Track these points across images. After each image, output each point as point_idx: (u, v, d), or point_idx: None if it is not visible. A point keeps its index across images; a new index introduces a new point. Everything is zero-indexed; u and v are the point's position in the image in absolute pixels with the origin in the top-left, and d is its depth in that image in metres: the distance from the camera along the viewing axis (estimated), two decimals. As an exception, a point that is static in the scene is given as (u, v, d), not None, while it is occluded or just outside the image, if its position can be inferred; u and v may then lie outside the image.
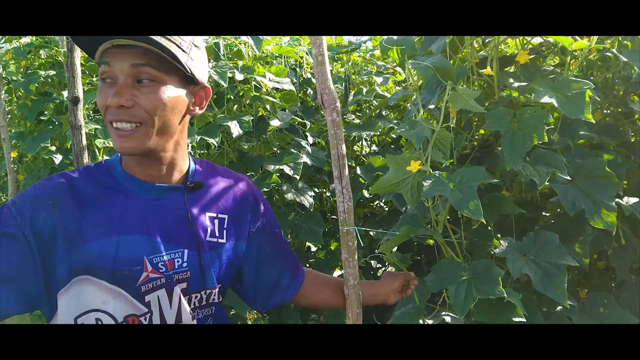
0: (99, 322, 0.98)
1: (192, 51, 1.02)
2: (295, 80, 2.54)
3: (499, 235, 1.37)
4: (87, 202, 0.99)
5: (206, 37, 2.28)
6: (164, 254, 1.02)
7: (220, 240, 1.12)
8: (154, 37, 0.93)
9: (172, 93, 0.99)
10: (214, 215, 1.12)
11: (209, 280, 1.09)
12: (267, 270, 1.23)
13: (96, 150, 2.49)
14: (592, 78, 1.43)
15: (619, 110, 1.51)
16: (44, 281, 0.95)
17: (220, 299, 1.14)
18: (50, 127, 3.05)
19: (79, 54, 2.14)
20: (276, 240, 1.25)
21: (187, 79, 1.02)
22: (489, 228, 1.34)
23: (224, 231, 1.13)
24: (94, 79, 2.93)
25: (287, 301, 1.28)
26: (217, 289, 1.12)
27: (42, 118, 3.18)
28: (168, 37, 0.96)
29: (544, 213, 1.48)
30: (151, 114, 0.96)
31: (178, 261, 1.04)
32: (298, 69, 2.66)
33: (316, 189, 2.59)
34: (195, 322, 1.08)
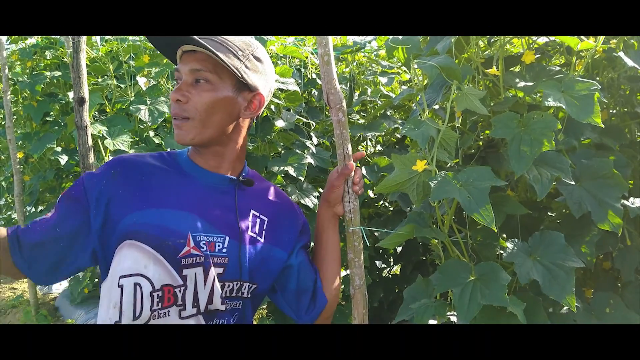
0: (138, 287, 1.08)
1: (250, 61, 1.17)
2: (299, 81, 2.54)
3: (504, 236, 1.37)
4: (147, 174, 1.15)
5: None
6: (207, 234, 1.14)
7: (259, 238, 1.23)
8: (212, 44, 1.10)
9: (223, 95, 1.14)
10: (257, 214, 1.24)
11: (244, 271, 1.19)
12: (308, 277, 1.32)
13: (102, 150, 2.49)
14: (598, 78, 1.42)
15: (625, 110, 1.51)
16: (99, 240, 1.11)
17: (249, 297, 1.22)
18: (56, 127, 3.07)
19: (84, 55, 2.15)
20: (308, 248, 1.37)
21: (241, 85, 1.17)
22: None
23: (263, 232, 1.24)
24: (99, 79, 2.95)
25: (326, 302, 1.34)
26: (248, 284, 1.20)
27: (47, 119, 3.19)
28: (228, 45, 1.13)
29: (549, 213, 1.47)
30: (199, 110, 1.12)
31: (219, 245, 1.15)
32: (303, 70, 2.66)
33: (320, 190, 2.59)
34: (224, 307, 1.17)
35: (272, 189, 1.33)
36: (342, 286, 2.68)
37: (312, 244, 1.44)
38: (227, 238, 1.16)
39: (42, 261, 1.11)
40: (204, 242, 1.13)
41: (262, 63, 1.20)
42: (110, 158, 1.14)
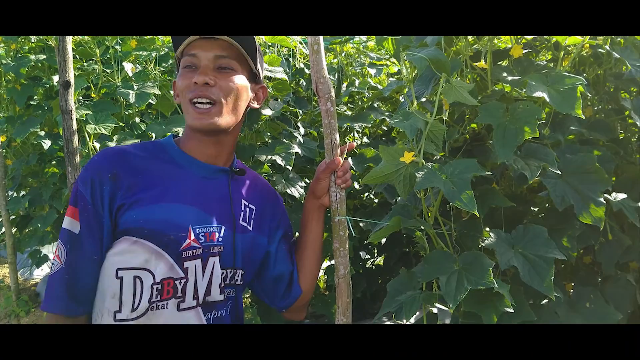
0: (138, 279, 1.08)
1: (260, 53, 1.20)
2: (287, 70, 2.53)
3: (488, 228, 1.38)
4: (143, 171, 1.13)
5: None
6: (205, 225, 1.15)
7: (248, 227, 1.24)
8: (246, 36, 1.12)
9: (243, 83, 1.17)
10: (247, 203, 1.26)
11: (238, 259, 1.21)
12: (284, 267, 1.32)
13: (86, 135, 2.47)
14: (584, 74, 1.44)
15: (610, 106, 1.52)
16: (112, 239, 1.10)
17: (241, 283, 1.25)
18: (40, 111, 3.02)
19: (70, 39, 2.12)
20: (291, 239, 1.38)
21: (252, 76, 1.21)
22: (479, 220, 1.35)
23: (252, 221, 1.26)
24: (85, 64, 2.91)
25: (301, 293, 1.35)
26: (240, 271, 1.23)
27: (31, 103, 3.15)
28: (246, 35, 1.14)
29: (532, 208, 1.49)
30: (226, 95, 1.14)
31: (215, 235, 1.16)
32: (291, 59, 2.65)
33: (307, 180, 2.59)
34: (222, 297, 1.18)
35: (257, 179, 1.35)
36: (326, 276, 2.69)
37: (297, 234, 1.45)
38: (223, 227, 1.18)
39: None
40: (203, 233, 1.14)
41: (262, 56, 1.25)
42: (97, 148, 1.11)
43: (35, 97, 3.17)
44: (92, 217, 1.08)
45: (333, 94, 1.25)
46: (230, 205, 1.21)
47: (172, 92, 1.24)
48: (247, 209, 1.26)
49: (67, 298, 1.07)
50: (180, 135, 1.26)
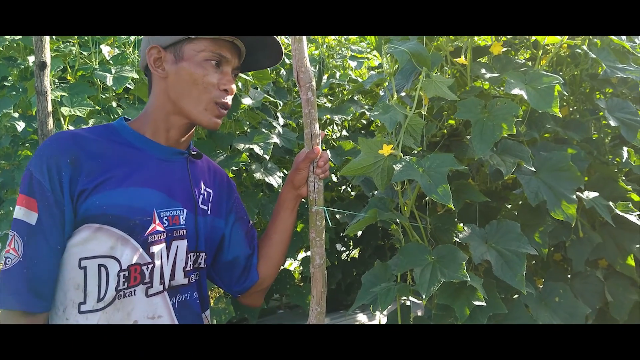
0: (103, 268, 1.05)
1: None
2: (268, 60, 2.51)
3: (462, 223, 1.40)
4: (100, 154, 1.09)
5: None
6: (168, 209, 1.14)
7: (207, 211, 1.24)
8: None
9: None
10: (204, 187, 1.26)
11: (200, 242, 1.21)
12: (239, 251, 1.32)
13: (61, 118, 2.42)
14: (561, 73, 1.46)
15: (585, 107, 1.55)
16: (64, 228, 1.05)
17: (204, 266, 1.24)
18: (14, 93, 2.96)
19: (47, 19, 2.08)
20: (247, 224, 1.37)
21: None
22: (454, 214, 1.37)
23: (209, 204, 1.26)
24: (62, 45, 2.85)
25: (257, 280, 1.34)
26: (203, 254, 1.22)
27: (5, 84, 3.08)
28: None
29: (506, 204, 1.52)
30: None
31: (178, 219, 1.15)
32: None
33: (285, 170, 2.59)
34: (187, 281, 1.18)
35: (211, 163, 1.35)
36: (301, 268, 2.70)
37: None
38: (185, 210, 1.17)
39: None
40: (167, 217, 1.13)
41: None
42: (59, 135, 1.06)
43: (9, 77, 3.10)
44: (53, 206, 1.02)
45: (314, 83, 1.25)
46: (191, 188, 1.20)
47: (149, 60, 1.17)
48: (206, 192, 1.25)
49: (26, 293, 1.00)
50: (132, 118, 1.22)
